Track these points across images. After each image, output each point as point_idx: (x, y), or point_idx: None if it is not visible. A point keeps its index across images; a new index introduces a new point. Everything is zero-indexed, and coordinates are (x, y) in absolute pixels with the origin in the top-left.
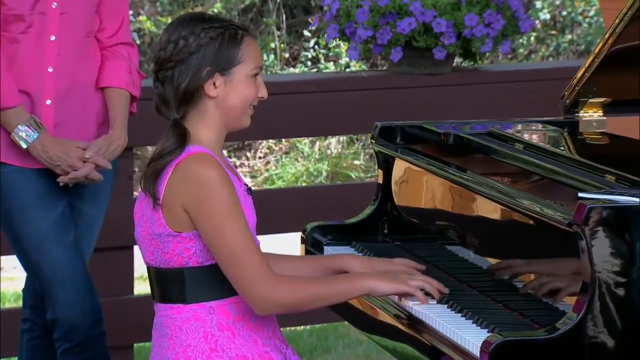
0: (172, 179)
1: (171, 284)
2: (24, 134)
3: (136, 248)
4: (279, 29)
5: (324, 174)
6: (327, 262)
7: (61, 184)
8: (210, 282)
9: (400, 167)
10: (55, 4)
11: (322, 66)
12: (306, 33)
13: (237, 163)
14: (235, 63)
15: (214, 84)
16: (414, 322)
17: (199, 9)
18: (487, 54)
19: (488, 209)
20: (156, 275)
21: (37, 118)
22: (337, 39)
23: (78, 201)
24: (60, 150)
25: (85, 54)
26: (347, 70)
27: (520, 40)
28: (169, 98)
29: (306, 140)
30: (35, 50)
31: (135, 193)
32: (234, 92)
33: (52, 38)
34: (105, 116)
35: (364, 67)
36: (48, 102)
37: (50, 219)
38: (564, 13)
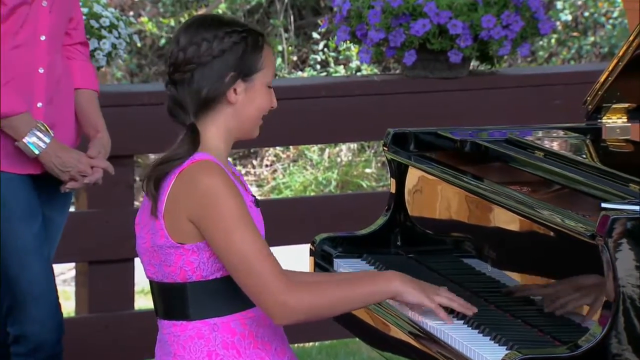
0: (175, 187)
1: (174, 300)
2: (36, 139)
3: (137, 261)
4: (286, 30)
5: (334, 182)
6: None
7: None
8: (214, 297)
9: (413, 175)
10: (45, 2)
11: (331, 70)
12: (315, 35)
13: (243, 171)
14: (256, 70)
15: (235, 90)
16: (429, 338)
17: (202, 10)
18: (505, 57)
19: (506, 220)
20: (159, 289)
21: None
22: (348, 42)
23: (48, 209)
24: (71, 156)
25: (62, 54)
26: (358, 74)
27: (540, 43)
28: (184, 102)
29: (315, 148)
30: (27, 51)
31: (136, 203)
32: (252, 100)
33: (43, 38)
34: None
35: (375, 70)
36: (39, 104)
37: (33, 231)
38: (586, 14)
